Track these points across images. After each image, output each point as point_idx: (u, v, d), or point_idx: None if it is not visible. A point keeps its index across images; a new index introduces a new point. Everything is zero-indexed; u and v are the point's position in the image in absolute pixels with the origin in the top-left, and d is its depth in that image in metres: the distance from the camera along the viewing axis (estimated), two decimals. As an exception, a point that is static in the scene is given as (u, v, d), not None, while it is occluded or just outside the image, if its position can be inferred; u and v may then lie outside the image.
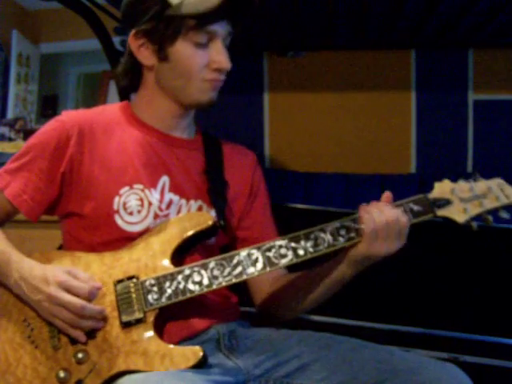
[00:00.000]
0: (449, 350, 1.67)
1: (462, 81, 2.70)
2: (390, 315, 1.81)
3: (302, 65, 2.79)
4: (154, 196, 1.14)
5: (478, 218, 1.07)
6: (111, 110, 1.23)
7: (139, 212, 1.12)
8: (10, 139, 2.73)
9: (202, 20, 1.07)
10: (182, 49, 1.10)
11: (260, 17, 2.17)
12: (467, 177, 2.70)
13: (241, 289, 1.14)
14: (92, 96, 3.08)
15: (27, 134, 2.66)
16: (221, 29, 1.11)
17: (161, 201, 1.14)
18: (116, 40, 2.12)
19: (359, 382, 1.02)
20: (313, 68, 2.80)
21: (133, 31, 1.13)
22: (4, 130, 2.74)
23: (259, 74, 2.86)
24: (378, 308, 1.80)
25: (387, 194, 1.10)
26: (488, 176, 2.59)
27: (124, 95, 2.24)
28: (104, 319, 1.03)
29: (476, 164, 2.71)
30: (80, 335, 1.02)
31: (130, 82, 1.21)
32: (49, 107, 3.16)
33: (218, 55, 1.11)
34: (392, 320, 1.81)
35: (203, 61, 1.11)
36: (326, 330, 1.18)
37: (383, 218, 1.03)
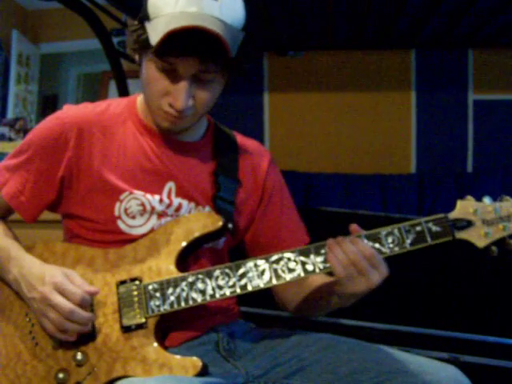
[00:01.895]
0: (449, 350, 1.67)
1: (461, 81, 2.70)
2: (390, 315, 1.81)
3: (301, 65, 2.79)
4: (157, 201, 1.11)
5: (499, 241, 1.01)
6: (116, 108, 1.17)
7: (142, 215, 1.10)
8: (10, 139, 2.72)
9: (159, 52, 0.99)
10: (147, 67, 1.03)
11: (260, 17, 2.17)
12: (467, 177, 2.70)
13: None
14: (92, 96, 3.08)
15: (27, 134, 2.66)
16: (182, 64, 1.01)
17: (169, 205, 1.11)
18: (115, 40, 2.12)
19: (359, 382, 1.02)
20: (313, 68, 2.80)
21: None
22: (4, 130, 2.74)
23: (259, 74, 2.86)
24: (378, 308, 1.80)
25: (354, 227, 1.02)
26: (488, 175, 2.59)
27: (124, 92, 2.25)
28: (104, 322, 1.02)
29: (476, 164, 2.72)
30: (67, 337, 1.00)
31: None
32: (49, 107, 3.16)
33: (176, 93, 1.02)
34: (392, 320, 1.81)
35: (162, 88, 1.02)
36: (325, 330, 1.18)
37: (347, 260, 0.97)
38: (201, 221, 1.10)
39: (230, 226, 1.11)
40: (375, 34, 2.45)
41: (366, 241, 1.01)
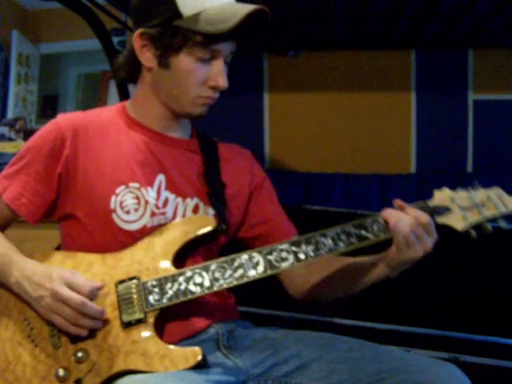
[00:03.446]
0: (449, 350, 1.67)
1: (461, 81, 2.70)
2: (390, 315, 1.81)
3: (301, 65, 2.79)
4: (151, 194, 1.14)
5: (477, 226, 1.08)
6: (108, 111, 1.24)
7: (136, 210, 1.12)
8: (10, 139, 2.72)
9: (211, 39, 1.08)
10: (184, 62, 1.10)
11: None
12: (467, 177, 2.70)
13: (239, 289, 1.14)
14: (92, 96, 3.08)
15: (27, 133, 2.67)
16: (225, 48, 1.12)
17: (157, 199, 1.15)
18: (115, 40, 2.12)
19: (358, 381, 1.02)
20: (313, 68, 2.80)
21: (138, 30, 1.12)
22: (4, 130, 2.74)
23: (259, 74, 2.86)
24: (378, 308, 1.80)
25: (398, 201, 1.08)
26: (488, 175, 2.59)
27: (124, 93, 2.25)
28: (104, 320, 1.04)
29: (476, 164, 2.71)
30: (81, 331, 1.02)
31: (129, 74, 1.21)
32: (49, 107, 3.16)
33: (217, 74, 1.12)
34: (392, 320, 1.81)
35: (202, 77, 1.12)
36: (325, 329, 1.18)
37: (408, 228, 1.02)
38: (195, 223, 1.14)
39: (223, 226, 1.15)
40: (375, 34, 2.44)
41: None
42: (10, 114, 2.98)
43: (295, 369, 1.07)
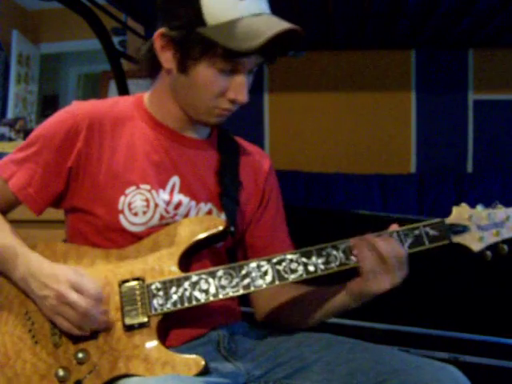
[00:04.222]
0: (449, 350, 1.67)
1: (462, 81, 2.70)
2: (390, 315, 1.81)
3: (302, 65, 2.79)
4: (162, 197, 1.10)
5: (493, 246, 1.05)
6: (124, 103, 1.18)
7: (144, 213, 1.09)
8: (10, 139, 2.73)
9: (233, 54, 1.01)
10: (204, 71, 1.05)
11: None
12: (467, 177, 2.70)
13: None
14: (92, 96, 3.07)
15: (27, 134, 2.66)
16: (249, 62, 1.06)
17: (169, 202, 1.11)
18: (115, 40, 2.12)
19: (358, 382, 1.02)
20: (313, 68, 2.80)
21: (160, 30, 1.07)
22: (4, 130, 2.74)
23: (259, 74, 2.86)
24: (378, 308, 1.79)
25: (394, 226, 1.05)
26: (488, 175, 2.59)
27: (124, 92, 2.25)
28: (106, 324, 1.02)
29: (476, 164, 2.72)
30: (82, 333, 1.01)
31: (148, 72, 1.17)
32: (49, 107, 3.16)
33: (238, 88, 1.06)
34: (392, 320, 1.81)
35: (221, 88, 1.06)
36: (325, 330, 1.18)
37: (377, 256, 1.00)
38: (204, 223, 1.10)
39: (231, 228, 1.12)
40: (375, 34, 2.45)
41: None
42: (10, 114, 2.99)
43: (296, 370, 1.06)
